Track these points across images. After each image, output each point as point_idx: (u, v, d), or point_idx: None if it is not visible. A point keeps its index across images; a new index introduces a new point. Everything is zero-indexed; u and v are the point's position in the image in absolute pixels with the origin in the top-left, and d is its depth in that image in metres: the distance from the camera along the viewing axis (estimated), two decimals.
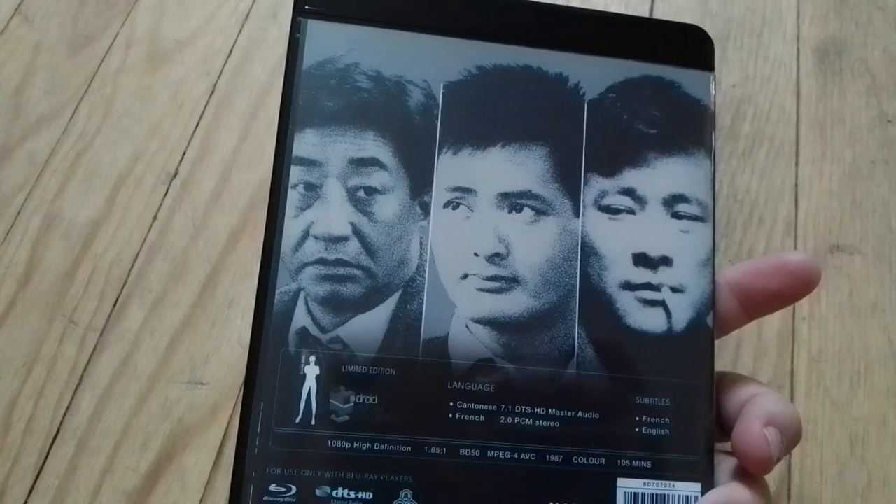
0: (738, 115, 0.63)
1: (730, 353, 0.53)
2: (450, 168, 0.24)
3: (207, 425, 0.52)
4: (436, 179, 0.24)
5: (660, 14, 0.67)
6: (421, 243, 0.23)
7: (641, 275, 0.24)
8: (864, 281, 0.56)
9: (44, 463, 0.51)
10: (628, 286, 0.24)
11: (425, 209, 0.24)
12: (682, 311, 0.24)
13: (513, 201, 0.24)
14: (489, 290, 0.23)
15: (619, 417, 0.23)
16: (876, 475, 0.50)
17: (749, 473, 0.22)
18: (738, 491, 0.22)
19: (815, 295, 0.56)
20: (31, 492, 0.50)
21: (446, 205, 0.24)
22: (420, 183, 0.24)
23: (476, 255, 0.24)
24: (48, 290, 0.57)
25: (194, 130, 0.63)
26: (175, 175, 0.61)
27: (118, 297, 0.57)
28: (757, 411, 0.22)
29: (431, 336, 0.23)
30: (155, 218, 0.60)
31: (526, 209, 0.24)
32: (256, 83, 0.65)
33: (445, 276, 0.23)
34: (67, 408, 0.53)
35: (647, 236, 0.24)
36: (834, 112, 0.65)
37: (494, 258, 0.23)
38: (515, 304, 0.23)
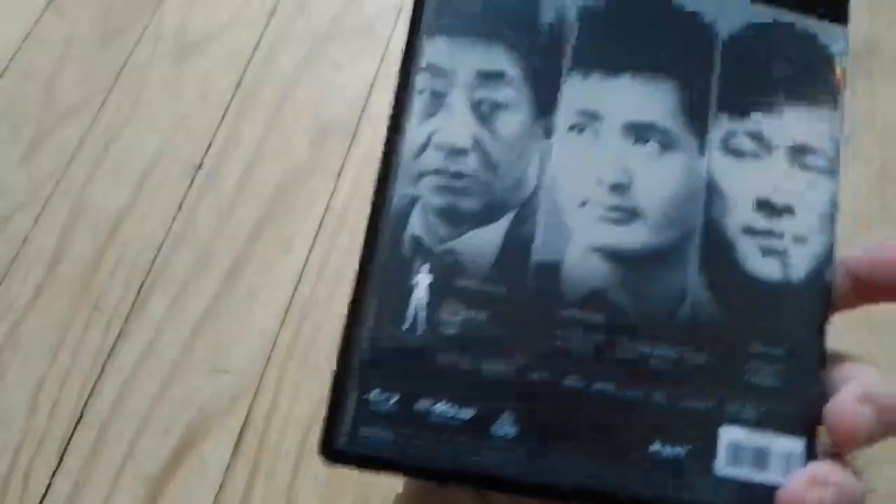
0: None
1: None
2: (578, 90, 0.23)
3: (228, 413, 0.53)
4: (562, 100, 0.23)
5: None
6: (542, 164, 0.23)
7: (764, 221, 0.23)
8: None
9: (67, 446, 0.52)
10: (750, 231, 0.23)
11: (549, 129, 0.23)
12: (801, 263, 0.23)
13: (639, 132, 0.23)
14: (609, 220, 0.23)
15: (729, 363, 0.23)
16: (893, 494, 0.49)
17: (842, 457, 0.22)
18: (836, 472, 0.21)
19: None
20: (54, 473, 0.51)
21: (572, 128, 0.23)
22: (546, 102, 0.23)
23: (598, 182, 0.23)
24: (75, 277, 0.58)
25: (220, 123, 0.64)
26: (200, 166, 0.62)
27: (142, 285, 0.57)
28: (854, 386, 0.21)
29: (545, 259, 0.22)
30: (180, 208, 0.60)
31: (652, 141, 0.23)
32: (283, 77, 0.66)
33: (564, 200, 0.23)
34: (91, 393, 0.53)
35: (771, 183, 0.24)
36: (864, 113, 0.64)
37: (617, 188, 0.23)
38: (635, 237, 0.23)
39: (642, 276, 0.23)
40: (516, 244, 0.22)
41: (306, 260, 0.58)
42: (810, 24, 0.25)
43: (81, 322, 0.56)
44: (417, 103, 0.23)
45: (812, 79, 0.24)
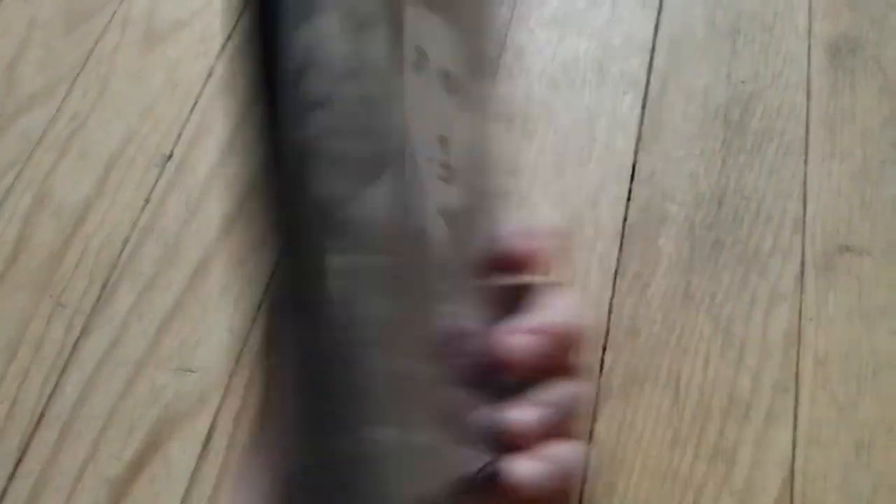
0: (746, 110, 0.62)
1: (733, 354, 0.52)
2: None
3: (195, 413, 0.51)
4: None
5: (668, 6, 0.65)
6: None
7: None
8: (872, 283, 0.55)
9: (26, 447, 0.50)
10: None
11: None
12: None
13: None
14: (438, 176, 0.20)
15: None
16: (882, 483, 0.48)
17: None
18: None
19: (823, 296, 0.54)
20: (11, 477, 0.49)
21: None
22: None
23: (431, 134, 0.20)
24: (36, 269, 0.56)
25: (190, 112, 0.62)
26: (170, 157, 0.60)
27: (108, 280, 0.55)
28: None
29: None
30: (147, 200, 0.58)
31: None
32: None
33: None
34: (52, 391, 0.51)
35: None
36: (845, 110, 0.63)
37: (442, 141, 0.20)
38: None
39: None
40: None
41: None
42: None
43: (43, 317, 0.54)
44: None
45: None
